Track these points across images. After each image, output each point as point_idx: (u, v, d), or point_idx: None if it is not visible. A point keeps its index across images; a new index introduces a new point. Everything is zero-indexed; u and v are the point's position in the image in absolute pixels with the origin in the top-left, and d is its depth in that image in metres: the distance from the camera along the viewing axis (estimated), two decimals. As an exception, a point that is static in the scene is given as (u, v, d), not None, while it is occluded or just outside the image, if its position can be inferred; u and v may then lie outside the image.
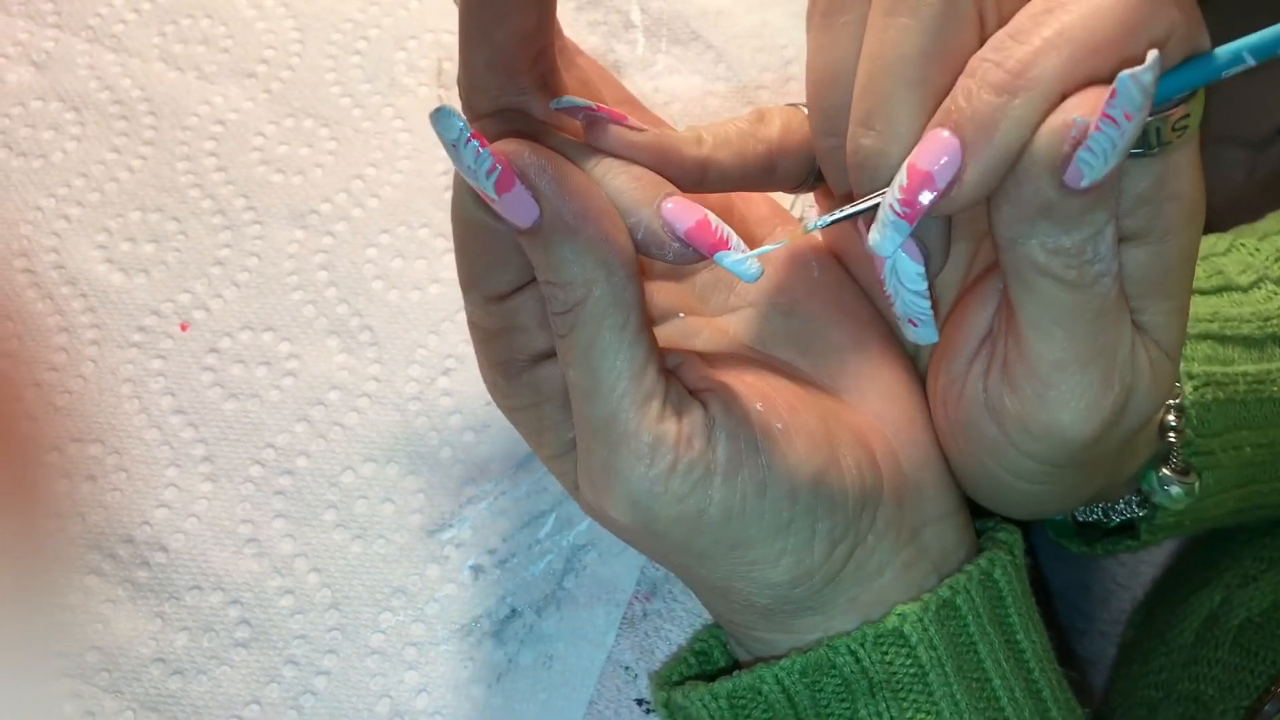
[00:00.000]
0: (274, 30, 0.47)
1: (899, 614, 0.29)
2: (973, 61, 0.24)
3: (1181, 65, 0.24)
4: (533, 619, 0.38)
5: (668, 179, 0.27)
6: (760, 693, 0.30)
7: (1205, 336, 0.35)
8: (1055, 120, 0.23)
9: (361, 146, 0.45)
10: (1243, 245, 0.39)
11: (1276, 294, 0.37)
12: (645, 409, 0.27)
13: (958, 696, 0.29)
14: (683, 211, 0.26)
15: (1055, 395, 0.26)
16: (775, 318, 0.32)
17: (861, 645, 0.29)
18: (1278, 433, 0.35)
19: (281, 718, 0.37)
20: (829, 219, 0.27)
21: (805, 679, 0.29)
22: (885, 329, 0.33)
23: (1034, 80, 0.23)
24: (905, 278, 0.27)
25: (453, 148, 0.25)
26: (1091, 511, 0.36)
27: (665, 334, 0.32)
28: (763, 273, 0.27)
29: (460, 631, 0.38)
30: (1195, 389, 0.34)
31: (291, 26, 0.47)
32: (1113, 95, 0.22)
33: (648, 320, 0.27)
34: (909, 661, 0.29)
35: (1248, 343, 0.36)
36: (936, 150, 0.24)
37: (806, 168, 0.30)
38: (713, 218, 0.26)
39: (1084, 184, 0.23)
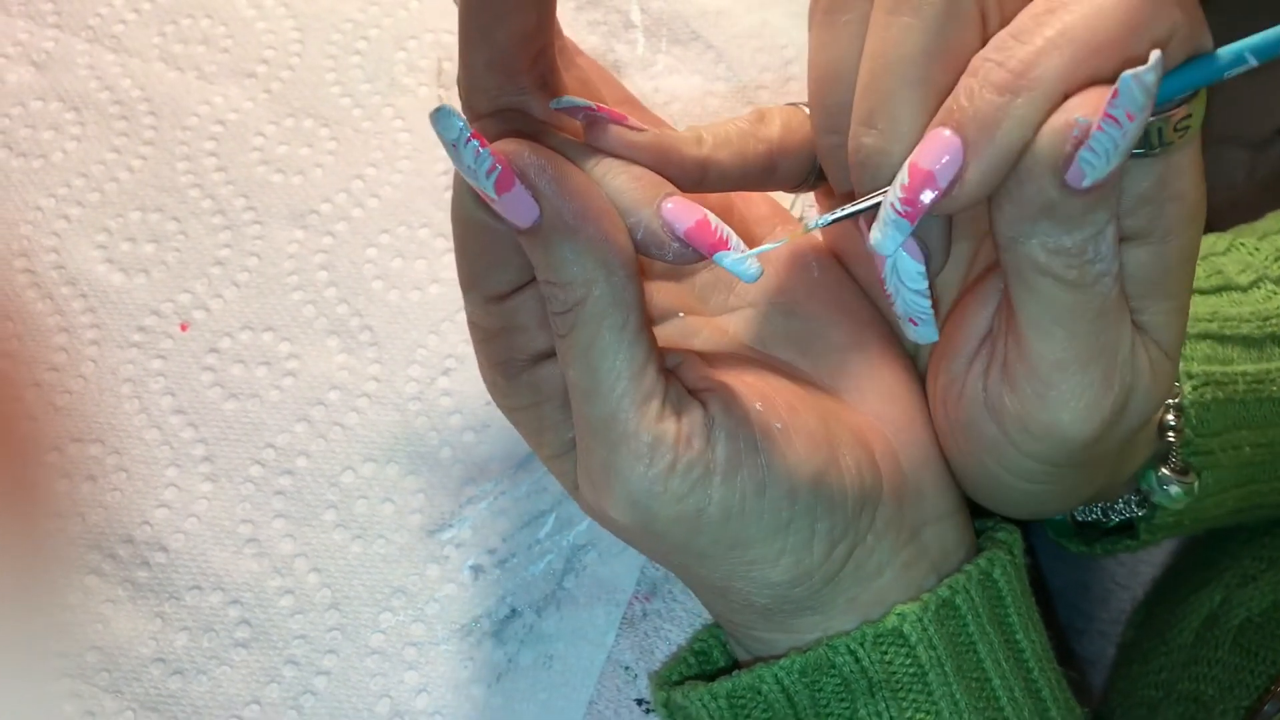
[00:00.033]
0: (274, 30, 0.47)
1: (898, 614, 0.29)
2: (975, 61, 0.24)
3: (1184, 65, 0.24)
4: (533, 619, 0.38)
5: (668, 179, 0.27)
6: (760, 692, 0.30)
7: (1205, 336, 0.35)
8: (1057, 120, 0.23)
9: (361, 146, 0.45)
10: (1242, 245, 0.39)
11: (1276, 293, 0.37)
12: (645, 409, 0.27)
13: (957, 696, 0.29)
14: (682, 211, 0.26)
15: (1055, 395, 0.26)
16: (775, 318, 0.32)
17: (861, 645, 0.29)
18: (1277, 432, 0.36)
19: (281, 718, 0.37)
20: (830, 218, 0.27)
21: (805, 679, 0.29)
22: (885, 329, 0.33)
23: (1036, 80, 0.23)
24: (906, 277, 0.27)
25: (452, 147, 0.25)
26: (1091, 511, 0.36)
27: (665, 334, 0.32)
28: (762, 273, 0.27)
29: (460, 631, 0.38)
30: (1195, 388, 0.34)
31: (291, 26, 0.47)
32: (1115, 95, 0.22)
33: (647, 320, 0.27)
34: (908, 661, 0.29)
35: (1247, 342, 0.36)
36: (938, 149, 0.24)
37: (807, 167, 0.30)
38: (712, 218, 0.26)
39: (1086, 184, 0.23)
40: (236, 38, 0.47)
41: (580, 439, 0.28)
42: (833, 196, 0.30)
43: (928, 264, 0.27)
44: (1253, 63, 0.24)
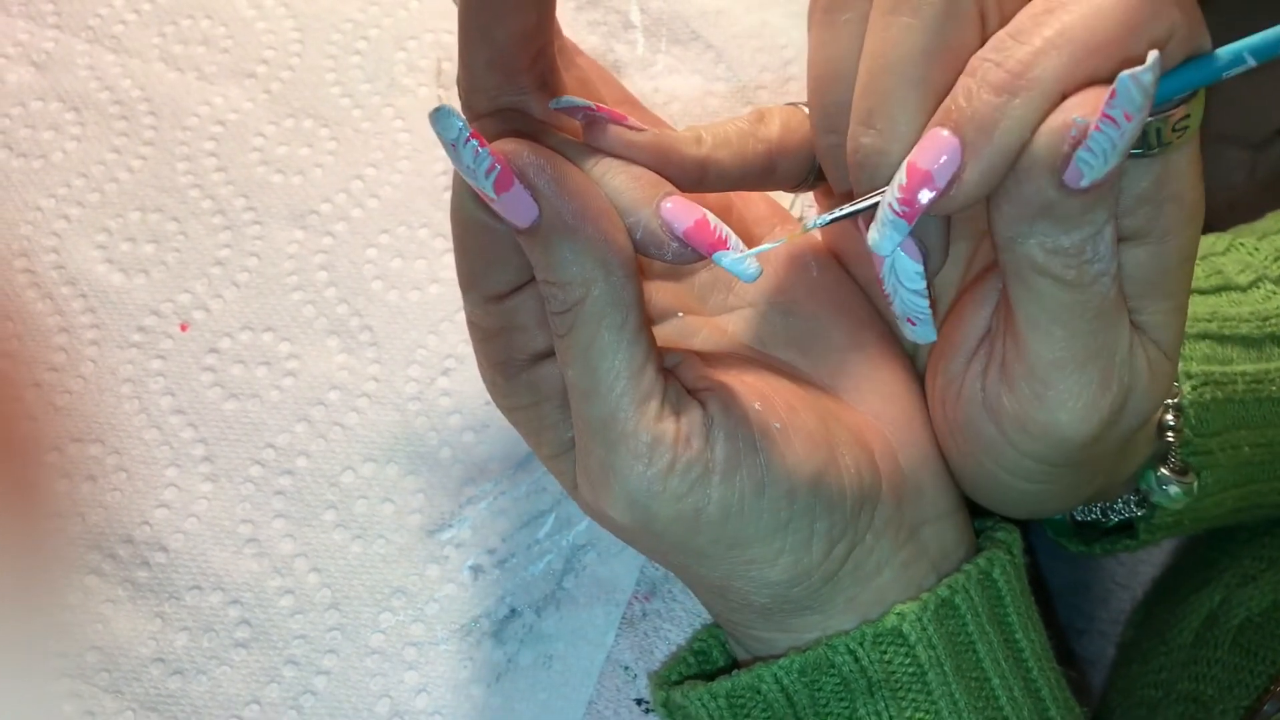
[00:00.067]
0: (274, 30, 0.47)
1: (898, 613, 0.29)
2: (973, 61, 0.24)
3: (1182, 66, 0.24)
4: (532, 619, 0.38)
5: (667, 179, 0.27)
6: (759, 692, 0.30)
7: (1204, 336, 0.35)
8: (1055, 120, 0.23)
9: (361, 146, 0.45)
10: (1241, 245, 0.39)
11: (1275, 293, 0.37)
12: (644, 408, 0.27)
13: (956, 696, 0.29)
14: (681, 211, 0.26)
15: (1053, 395, 0.26)
16: (774, 317, 0.32)
17: (860, 644, 0.29)
18: (1276, 432, 0.36)
19: (281, 718, 0.37)
20: (828, 217, 0.27)
21: (804, 678, 0.29)
22: (884, 328, 0.33)
23: (1034, 80, 0.23)
24: (904, 276, 0.27)
25: (452, 147, 0.25)
26: (1090, 511, 0.36)
27: (664, 333, 0.32)
28: (761, 272, 0.27)
29: (460, 631, 0.38)
30: (1194, 388, 0.34)
31: (291, 27, 0.47)
32: (1113, 95, 0.22)
33: (646, 320, 0.28)
34: (908, 661, 0.29)
35: (1246, 342, 0.36)
36: (936, 149, 0.24)
37: (806, 167, 0.30)
38: (711, 217, 0.26)
39: (1084, 184, 0.23)
40: (236, 38, 0.47)
41: (579, 439, 0.28)
42: (832, 196, 0.30)
43: (926, 264, 0.27)
44: (1251, 63, 0.24)
